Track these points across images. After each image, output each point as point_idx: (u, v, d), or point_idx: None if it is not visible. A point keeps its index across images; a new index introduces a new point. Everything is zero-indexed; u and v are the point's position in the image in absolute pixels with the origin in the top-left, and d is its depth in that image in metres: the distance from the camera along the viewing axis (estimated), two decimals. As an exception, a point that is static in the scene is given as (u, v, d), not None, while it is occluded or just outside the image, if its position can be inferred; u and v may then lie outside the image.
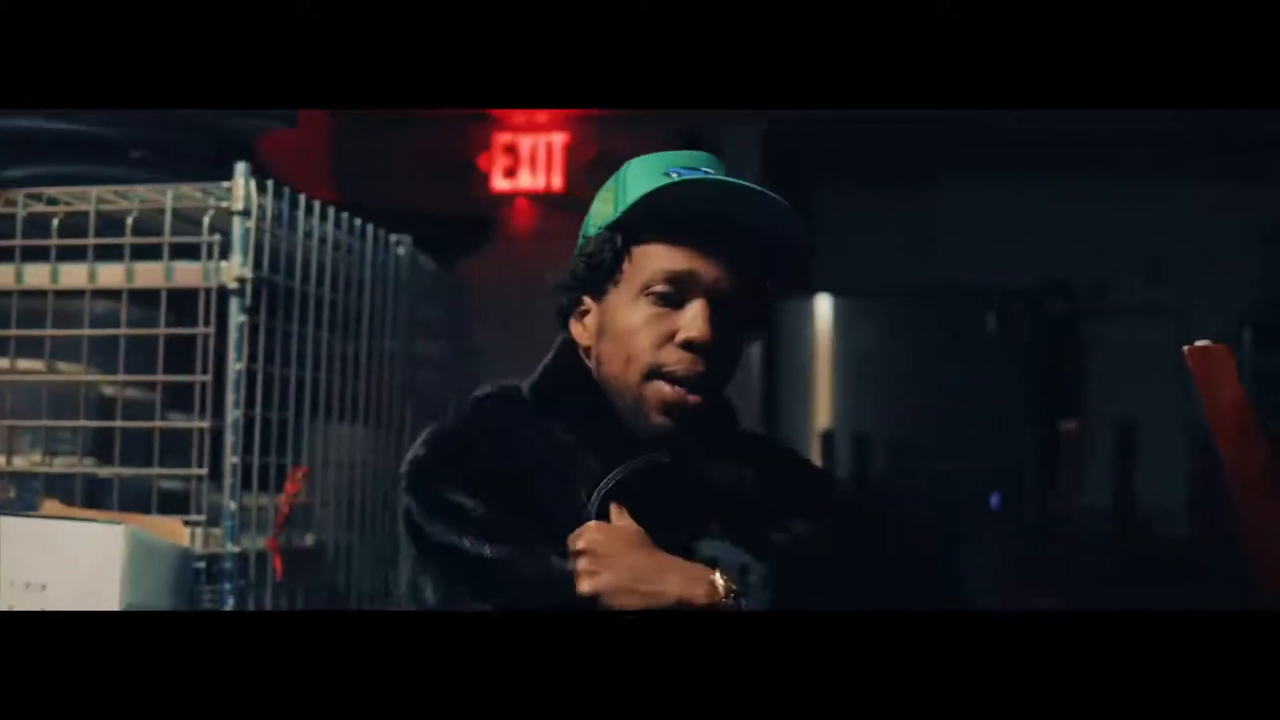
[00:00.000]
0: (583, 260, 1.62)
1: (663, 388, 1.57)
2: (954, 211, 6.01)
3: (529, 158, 5.49)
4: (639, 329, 1.57)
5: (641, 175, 1.60)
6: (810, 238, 1.63)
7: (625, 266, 1.59)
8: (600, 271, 1.60)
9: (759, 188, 1.54)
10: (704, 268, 1.55)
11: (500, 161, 5.53)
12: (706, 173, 1.59)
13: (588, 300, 1.65)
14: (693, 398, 1.57)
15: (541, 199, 5.53)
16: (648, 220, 1.57)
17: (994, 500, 4.90)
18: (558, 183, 5.52)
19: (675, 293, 1.56)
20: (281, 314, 2.29)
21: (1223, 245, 5.78)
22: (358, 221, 2.60)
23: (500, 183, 5.55)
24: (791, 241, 1.61)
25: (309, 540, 2.49)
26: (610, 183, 1.65)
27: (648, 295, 1.57)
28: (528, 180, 5.53)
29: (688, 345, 1.55)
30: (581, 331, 1.67)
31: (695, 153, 1.64)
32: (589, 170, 5.41)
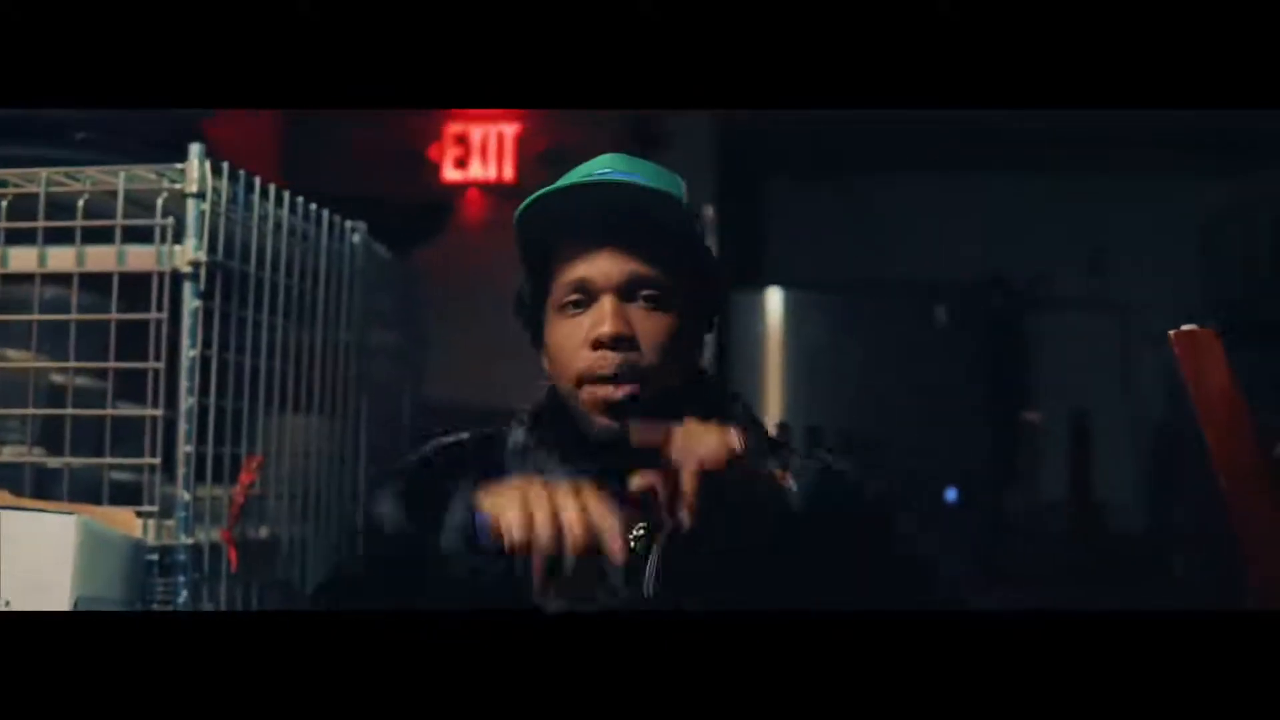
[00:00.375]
0: (519, 289, 1.72)
1: (593, 391, 1.60)
2: (902, 206, 5.99)
3: (479, 148, 5.45)
4: (563, 342, 1.63)
5: (537, 192, 1.61)
6: (695, 224, 1.65)
7: (549, 287, 1.65)
8: (534, 295, 1.68)
9: (627, 179, 1.58)
10: (600, 269, 1.59)
11: (451, 152, 5.48)
12: (602, 174, 1.61)
13: (541, 333, 1.71)
14: (621, 390, 1.59)
15: (493, 190, 5.48)
16: (542, 237, 1.64)
17: (950, 495, 4.90)
18: (509, 174, 5.47)
19: (584, 298, 1.61)
20: (236, 300, 2.23)
21: (1167, 237, 5.79)
22: (312, 207, 2.54)
23: (451, 173, 5.50)
24: (679, 228, 1.63)
25: (264, 533, 2.43)
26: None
27: (562, 309, 1.63)
28: (479, 171, 5.48)
29: (598, 343, 1.59)
30: (546, 362, 1.71)
31: (598, 158, 1.66)
32: (540, 162, 5.35)
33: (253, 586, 2.36)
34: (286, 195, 2.43)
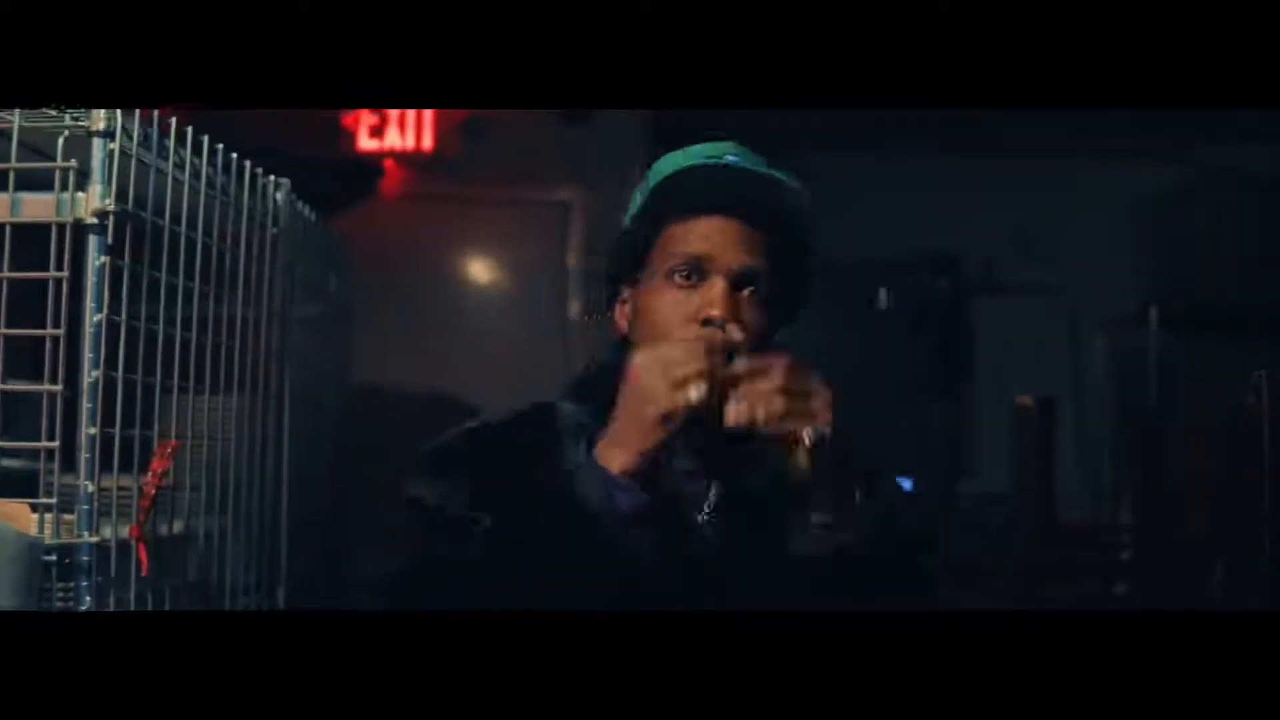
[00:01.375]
0: (616, 250, 1.72)
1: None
2: (838, 187, 5.78)
3: (397, 117, 5.22)
4: (668, 311, 1.64)
5: (667, 165, 1.70)
6: (807, 224, 1.71)
7: (653, 254, 1.67)
8: (631, 259, 1.69)
9: (766, 170, 1.68)
10: (720, 249, 1.63)
11: (366, 120, 5.23)
12: (730, 160, 1.68)
13: (625, 290, 1.72)
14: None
15: (410, 159, 5.24)
16: (668, 205, 1.66)
17: (905, 484, 4.73)
18: (427, 143, 5.23)
19: (697, 273, 1.63)
20: (148, 258, 1.93)
21: (1115, 222, 5.67)
22: (233, 156, 2.25)
23: (367, 142, 5.24)
24: (797, 227, 1.69)
25: (177, 528, 2.13)
26: (646, 175, 1.74)
27: (671, 277, 1.64)
28: (395, 140, 5.24)
29: (709, 321, 1.60)
30: (622, 321, 1.73)
31: (721, 143, 1.71)
32: (458, 133, 5.13)
33: (165, 590, 2.06)
34: (205, 141, 2.13)
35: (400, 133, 5.30)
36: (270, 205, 2.45)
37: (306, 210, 2.67)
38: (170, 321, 2.02)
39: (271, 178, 2.45)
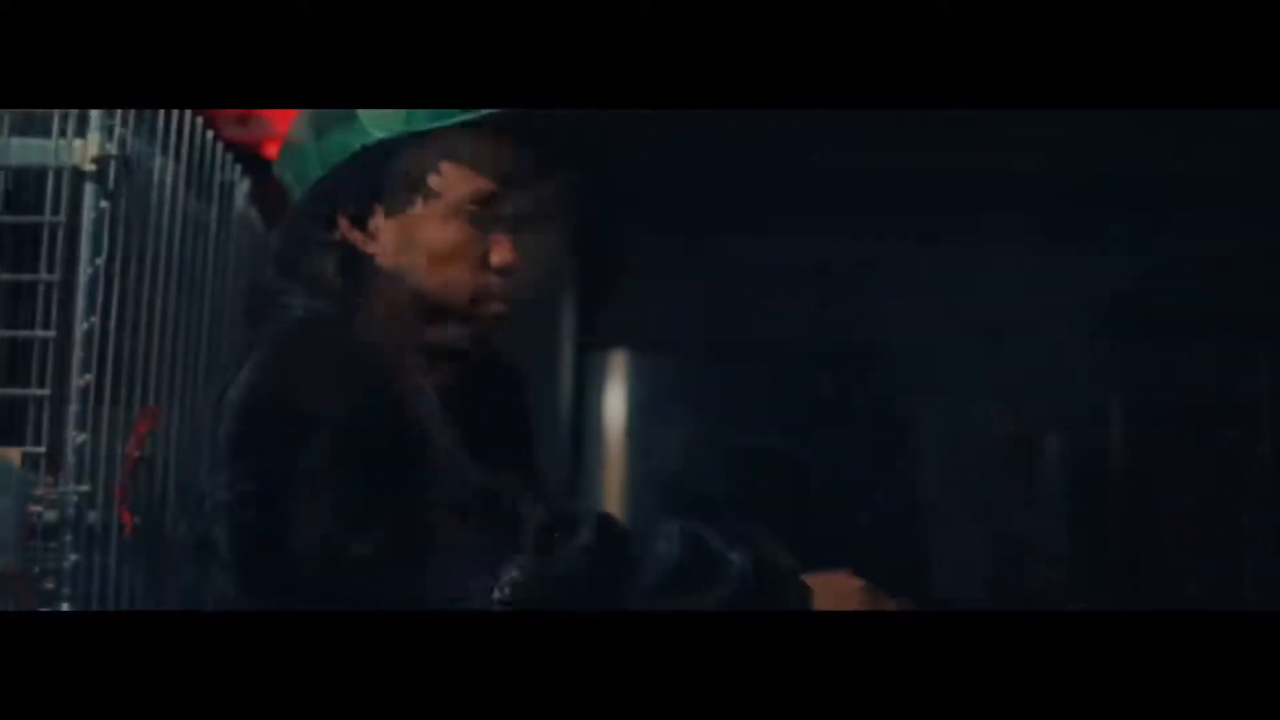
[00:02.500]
0: (374, 168, 1.58)
1: (488, 309, 1.59)
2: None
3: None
4: (454, 250, 1.57)
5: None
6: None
7: (432, 180, 1.57)
8: (405, 182, 1.58)
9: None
10: (513, 190, 1.58)
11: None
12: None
13: (378, 208, 1.59)
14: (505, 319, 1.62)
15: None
16: (453, 140, 1.56)
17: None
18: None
19: (488, 215, 1.57)
20: (148, 205, 1.91)
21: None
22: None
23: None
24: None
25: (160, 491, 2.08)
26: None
27: (461, 215, 1.57)
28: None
29: (504, 270, 1.58)
30: (364, 239, 1.59)
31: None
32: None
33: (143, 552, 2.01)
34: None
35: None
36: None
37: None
38: (158, 279, 2.00)
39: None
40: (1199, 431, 4.71)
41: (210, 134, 2.21)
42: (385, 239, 1.59)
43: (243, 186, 2.44)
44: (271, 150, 3.03)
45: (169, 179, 2.01)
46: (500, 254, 1.58)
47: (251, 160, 2.48)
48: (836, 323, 5.33)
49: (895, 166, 4.71)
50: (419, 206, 1.58)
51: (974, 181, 4.78)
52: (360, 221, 1.60)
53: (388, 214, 1.59)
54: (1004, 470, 5.27)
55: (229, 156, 2.32)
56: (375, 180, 1.58)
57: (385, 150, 1.57)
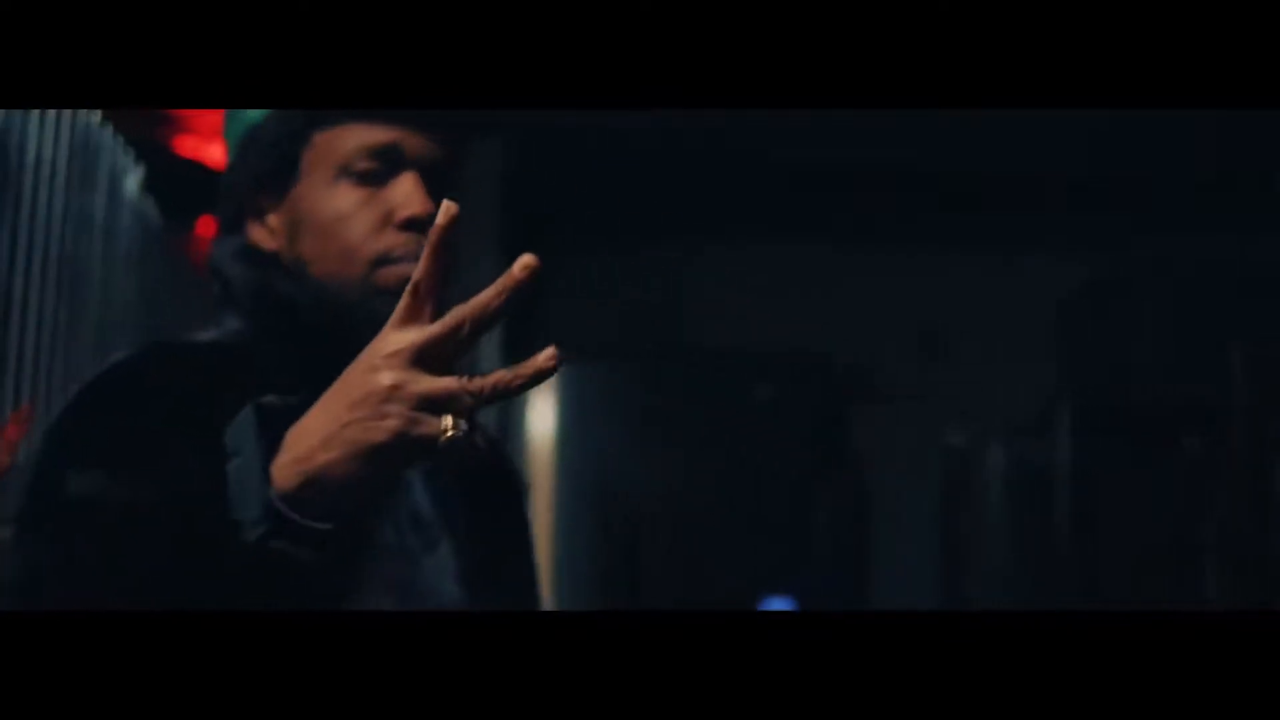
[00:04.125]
0: (253, 155, 1.42)
1: (398, 271, 1.36)
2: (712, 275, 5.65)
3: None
4: (348, 215, 1.38)
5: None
6: None
7: (308, 154, 1.40)
8: (278, 162, 1.41)
9: None
10: (405, 136, 1.39)
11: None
12: None
13: (265, 201, 1.42)
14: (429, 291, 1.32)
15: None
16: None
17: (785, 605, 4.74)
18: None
19: (380, 168, 1.39)
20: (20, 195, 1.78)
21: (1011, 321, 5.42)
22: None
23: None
24: None
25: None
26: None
27: (348, 176, 1.39)
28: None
29: (410, 223, 1.37)
30: (266, 235, 1.42)
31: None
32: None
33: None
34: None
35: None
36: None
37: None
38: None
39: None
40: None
41: (97, 121, 2.07)
42: (280, 228, 1.41)
43: (135, 176, 2.31)
44: (179, 141, 2.93)
45: (49, 168, 1.89)
46: (405, 202, 1.38)
47: (149, 148, 2.37)
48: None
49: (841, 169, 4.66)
50: (304, 177, 1.41)
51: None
52: (258, 215, 1.42)
53: (276, 197, 1.42)
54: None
55: (119, 144, 2.17)
56: (260, 162, 1.41)
57: (270, 125, 1.42)
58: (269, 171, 1.41)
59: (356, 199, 1.38)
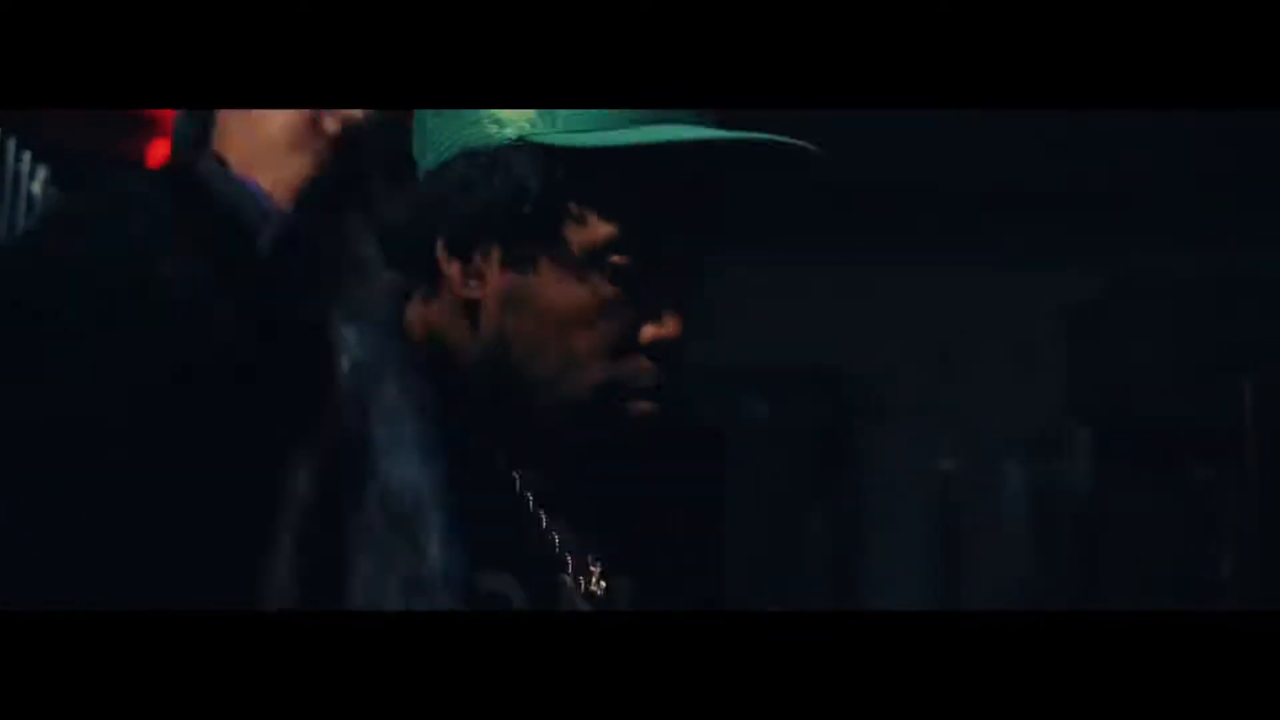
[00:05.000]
0: (485, 185, 1.14)
1: (628, 409, 1.18)
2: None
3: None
4: (588, 318, 1.14)
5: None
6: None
7: (563, 220, 1.14)
8: (518, 209, 1.13)
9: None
10: (672, 238, 1.17)
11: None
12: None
13: (480, 248, 1.17)
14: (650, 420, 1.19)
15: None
16: (605, 161, 1.14)
17: None
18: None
19: (637, 270, 1.14)
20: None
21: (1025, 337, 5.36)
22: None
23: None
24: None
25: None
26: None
27: (599, 269, 1.14)
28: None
29: (655, 350, 1.15)
30: (467, 286, 1.18)
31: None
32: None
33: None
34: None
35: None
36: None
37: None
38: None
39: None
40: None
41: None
42: (492, 285, 1.17)
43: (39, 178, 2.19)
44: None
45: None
46: (656, 324, 1.16)
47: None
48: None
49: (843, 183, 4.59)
50: (542, 249, 1.16)
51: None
52: (461, 252, 1.18)
53: (499, 253, 1.17)
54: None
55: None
56: (488, 199, 1.15)
57: (506, 159, 1.15)
58: (504, 217, 1.14)
59: (602, 299, 1.15)
